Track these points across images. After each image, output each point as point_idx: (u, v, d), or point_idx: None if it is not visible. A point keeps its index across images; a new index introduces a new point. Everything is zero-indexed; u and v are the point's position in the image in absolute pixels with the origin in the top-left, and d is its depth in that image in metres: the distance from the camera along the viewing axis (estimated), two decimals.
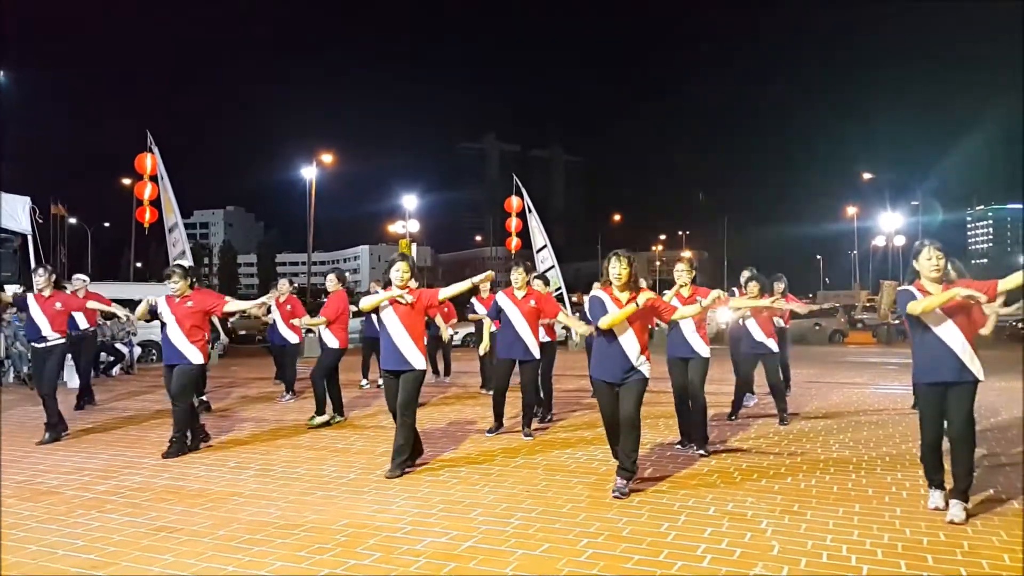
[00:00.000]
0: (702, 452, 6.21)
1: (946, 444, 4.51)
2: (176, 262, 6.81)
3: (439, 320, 9.25)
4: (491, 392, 7.54)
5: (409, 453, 5.71)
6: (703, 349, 6.37)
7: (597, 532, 4.22)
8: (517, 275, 7.28)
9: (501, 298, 7.28)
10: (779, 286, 9.38)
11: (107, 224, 62.03)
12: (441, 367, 12.16)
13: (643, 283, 5.21)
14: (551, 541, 4.08)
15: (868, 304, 29.67)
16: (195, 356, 6.45)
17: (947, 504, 4.42)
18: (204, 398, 8.78)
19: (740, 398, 8.14)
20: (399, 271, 5.67)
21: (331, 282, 8.45)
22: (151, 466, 6.00)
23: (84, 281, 10.21)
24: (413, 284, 5.91)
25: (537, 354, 7.24)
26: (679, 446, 6.48)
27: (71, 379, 11.33)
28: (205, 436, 6.82)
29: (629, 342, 5.00)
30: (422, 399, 9.56)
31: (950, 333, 4.37)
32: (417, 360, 5.61)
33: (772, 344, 7.80)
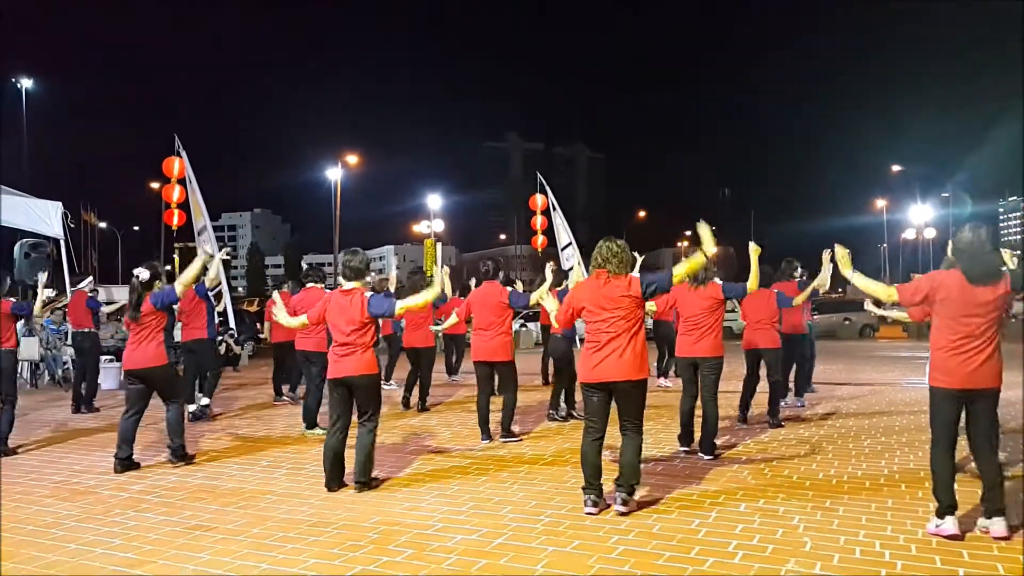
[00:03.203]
0: (710, 458, 5.86)
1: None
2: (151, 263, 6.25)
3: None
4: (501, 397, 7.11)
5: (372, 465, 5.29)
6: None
7: (627, 529, 4.22)
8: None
9: None
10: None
11: (136, 228, 62.89)
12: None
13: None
14: (581, 538, 4.09)
15: None
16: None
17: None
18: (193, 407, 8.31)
19: (764, 396, 7.48)
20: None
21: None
22: (185, 465, 6.09)
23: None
24: (356, 284, 5.17)
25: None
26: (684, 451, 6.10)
27: (105, 381, 11.55)
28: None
29: None
30: (446, 397, 9.59)
31: None
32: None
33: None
